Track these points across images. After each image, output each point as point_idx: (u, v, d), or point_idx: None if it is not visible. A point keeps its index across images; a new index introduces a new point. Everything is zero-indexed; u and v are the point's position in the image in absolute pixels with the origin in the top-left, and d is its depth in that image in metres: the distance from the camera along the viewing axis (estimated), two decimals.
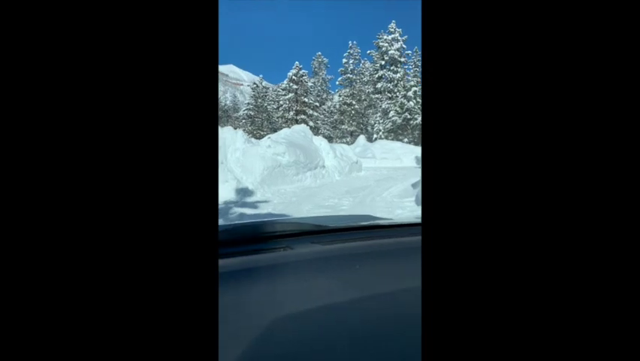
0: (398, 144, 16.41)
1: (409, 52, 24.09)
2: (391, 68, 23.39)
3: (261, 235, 0.85)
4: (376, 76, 24.06)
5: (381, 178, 9.57)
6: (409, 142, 18.43)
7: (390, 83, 22.91)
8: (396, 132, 18.98)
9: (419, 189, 6.31)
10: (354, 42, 27.36)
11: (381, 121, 21.47)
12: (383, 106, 21.83)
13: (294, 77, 23.91)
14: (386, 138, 19.19)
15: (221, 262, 0.60)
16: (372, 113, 23.50)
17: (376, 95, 23.75)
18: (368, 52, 25.27)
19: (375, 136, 20.11)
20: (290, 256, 0.69)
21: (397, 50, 23.31)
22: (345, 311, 0.44)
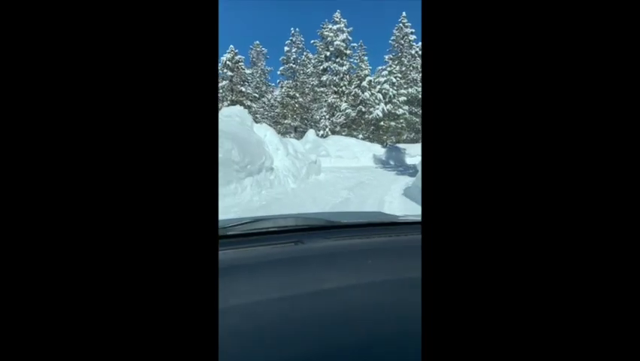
0: (353, 140, 14.04)
1: (355, 44, 22.25)
2: (337, 60, 21.24)
3: (272, 230, 0.84)
4: (321, 68, 21.70)
5: (351, 184, 6.84)
6: (365, 138, 16.22)
7: (336, 76, 20.74)
8: (350, 127, 16.63)
9: (416, 192, 4.75)
10: (297, 29, 24.61)
11: (327, 117, 19.12)
12: (329, 100, 19.53)
13: (228, 62, 20.16)
14: (339, 133, 16.70)
15: (231, 253, 0.64)
16: (318, 108, 21.04)
17: (321, 89, 21.35)
18: (312, 41, 22.79)
19: (321, 133, 17.66)
20: (301, 250, 0.69)
21: (343, 41, 21.23)
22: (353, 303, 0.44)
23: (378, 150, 13.94)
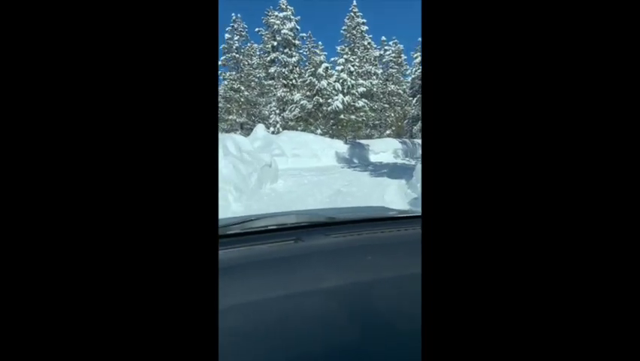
0: (311, 136, 11.87)
1: (304, 34, 20.18)
2: (285, 50, 18.95)
3: (270, 228, 0.82)
4: (268, 59, 19.22)
5: (327, 196, 4.66)
6: (324, 134, 14.13)
7: (285, 67, 18.45)
8: (306, 121, 14.39)
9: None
10: (239, 15, 21.69)
11: (277, 112, 16.75)
12: (278, 94, 17.18)
13: None
14: (294, 128, 14.38)
15: (231, 252, 0.63)
16: (266, 103, 18.54)
17: (269, 82, 18.89)
18: (256, 29, 20.14)
19: (271, 130, 15.26)
20: (301, 248, 0.68)
21: (291, 30, 18.99)
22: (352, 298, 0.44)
23: (341, 146, 11.98)
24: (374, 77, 19.57)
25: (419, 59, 26.71)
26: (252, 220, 0.90)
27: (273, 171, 5.36)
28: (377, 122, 20.59)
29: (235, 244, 0.70)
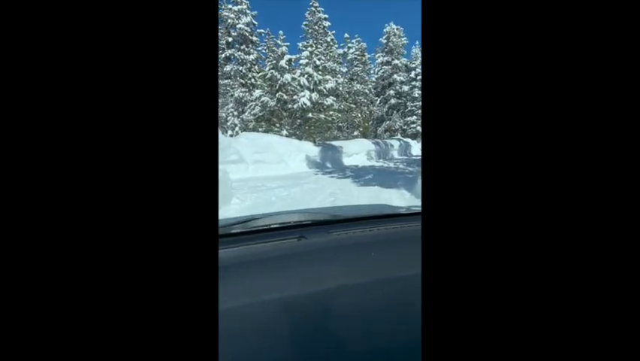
0: (276, 137, 10.02)
1: (262, 31, 18.32)
2: (242, 47, 16.97)
3: (273, 226, 0.81)
4: (223, 56, 17.09)
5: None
6: (291, 135, 12.29)
7: (243, 65, 16.48)
8: (269, 121, 12.40)
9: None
10: None
11: (235, 114, 14.72)
12: (236, 95, 15.17)
13: None
14: (255, 130, 12.36)
15: (235, 250, 0.63)
16: (223, 104, 16.37)
17: (225, 81, 16.75)
18: None
19: (230, 133, 13.22)
20: (305, 246, 0.67)
21: (247, 25, 17.07)
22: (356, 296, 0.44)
23: (311, 149, 10.28)
24: (339, 75, 18.22)
25: (381, 59, 26.12)
26: (255, 219, 0.87)
27: (225, 187, 3.50)
28: (343, 123, 19.27)
29: (238, 242, 0.70)
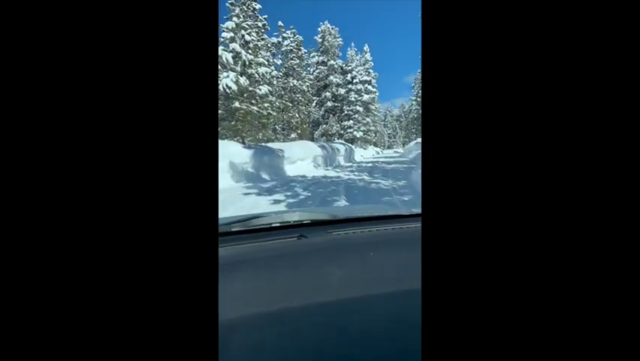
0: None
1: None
2: None
3: (275, 225, 0.82)
4: None
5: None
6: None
7: None
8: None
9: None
10: None
11: None
12: None
13: None
14: None
15: (234, 249, 0.63)
16: None
17: None
18: None
19: None
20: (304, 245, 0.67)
21: None
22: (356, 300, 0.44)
23: (239, 152, 6.95)
24: (272, 67, 15.13)
25: (316, 58, 23.97)
26: (255, 218, 0.86)
27: None
28: (279, 123, 16.28)
29: (238, 241, 0.70)
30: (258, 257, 0.58)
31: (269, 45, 15.57)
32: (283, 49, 17.84)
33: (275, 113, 11.83)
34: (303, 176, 7.52)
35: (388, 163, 12.06)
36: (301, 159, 9.26)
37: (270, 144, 9.18)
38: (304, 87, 17.36)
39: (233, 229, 0.77)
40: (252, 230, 0.77)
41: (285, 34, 18.25)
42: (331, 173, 8.41)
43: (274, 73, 14.31)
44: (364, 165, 11.86)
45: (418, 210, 1.02)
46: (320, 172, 8.59)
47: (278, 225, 0.82)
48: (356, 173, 8.29)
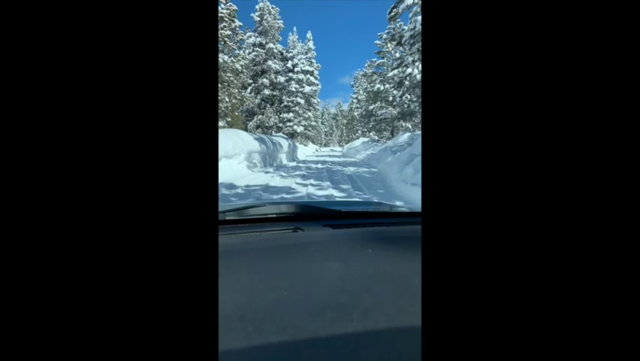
0: None
1: None
2: None
3: (271, 216, 0.82)
4: None
5: None
6: None
7: None
8: None
9: None
10: None
11: None
12: None
13: None
14: None
15: (228, 238, 0.64)
16: None
17: None
18: None
19: None
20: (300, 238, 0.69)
21: None
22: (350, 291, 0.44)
23: None
24: None
25: (253, 39, 20.65)
26: (251, 207, 0.86)
27: None
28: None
29: (233, 230, 0.70)
30: (252, 248, 0.58)
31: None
32: None
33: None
34: (230, 185, 4.68)
35: (343, 165, 9.80)
36: (228, 156, 6.31)
37: None
38: (237, 66, 14.05)
39: (228, 218, 0.78)
40: (246, 220, 0.79)
41: None
42: (276, 180, 5.71)
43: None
44: (314, 166, 9.41)
45: (418, 208, 1.03)
46: (259, 178, 5.80)
47: (274, 216, 0.82)
48: (313, 181, 5.72)
